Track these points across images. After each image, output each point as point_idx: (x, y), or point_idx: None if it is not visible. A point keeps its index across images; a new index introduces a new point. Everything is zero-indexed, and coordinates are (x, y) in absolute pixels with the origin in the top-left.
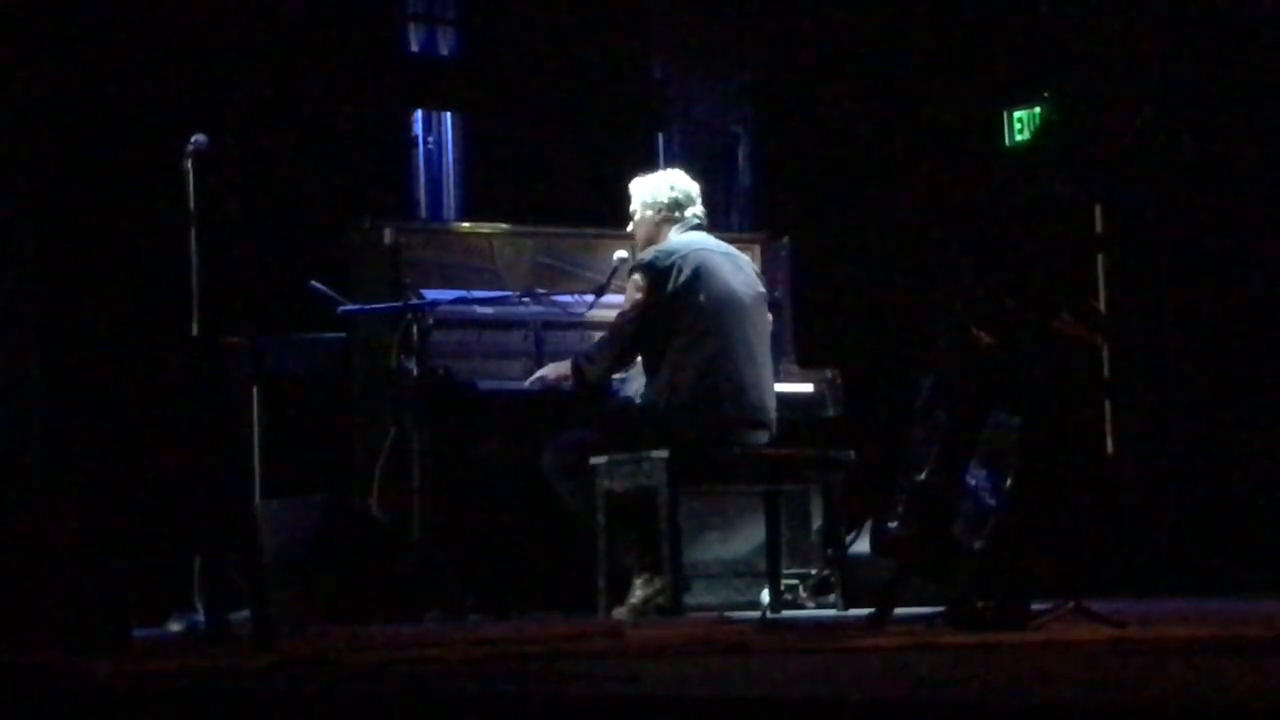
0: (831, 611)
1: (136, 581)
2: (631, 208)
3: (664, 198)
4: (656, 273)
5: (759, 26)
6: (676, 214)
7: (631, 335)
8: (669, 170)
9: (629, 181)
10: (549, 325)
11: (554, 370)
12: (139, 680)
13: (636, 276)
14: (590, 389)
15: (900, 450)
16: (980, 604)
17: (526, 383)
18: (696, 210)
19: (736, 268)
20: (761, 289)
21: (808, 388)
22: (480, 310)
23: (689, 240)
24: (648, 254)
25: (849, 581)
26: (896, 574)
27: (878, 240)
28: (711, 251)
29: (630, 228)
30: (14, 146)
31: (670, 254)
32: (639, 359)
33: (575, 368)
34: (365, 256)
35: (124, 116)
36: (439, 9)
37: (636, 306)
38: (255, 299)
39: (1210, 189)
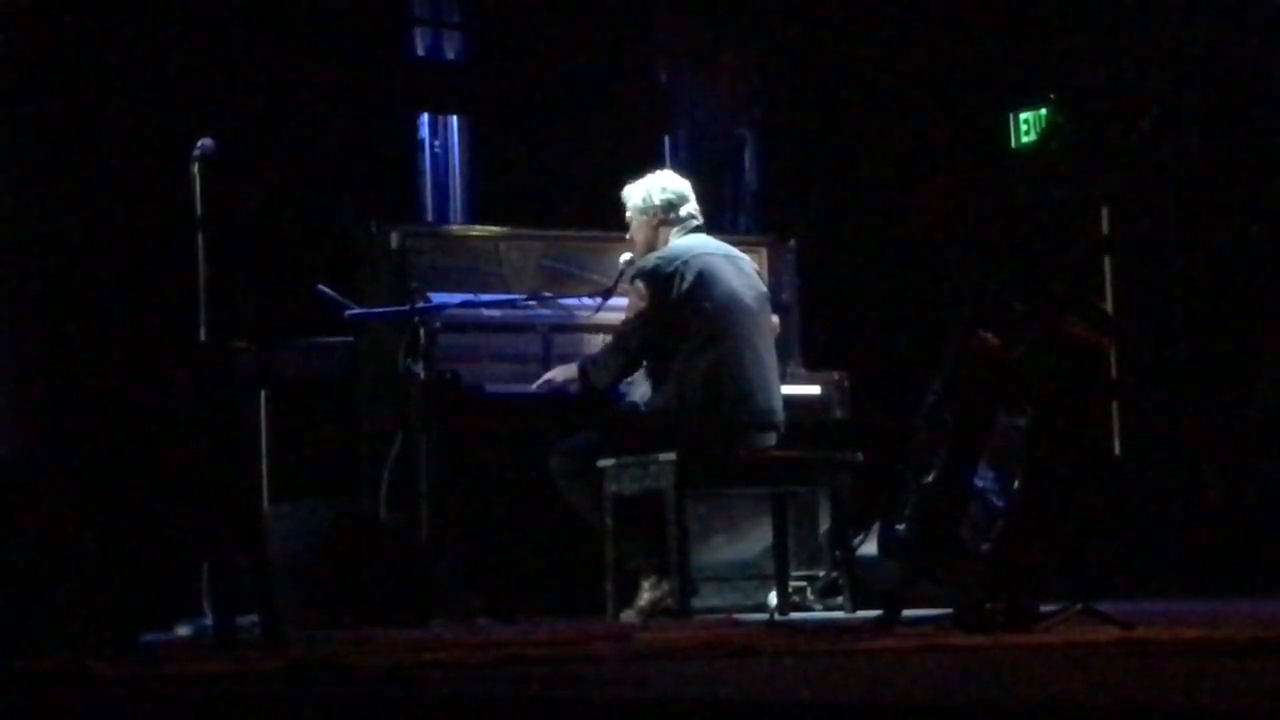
0: (839, 614)
1: (144, 586)
2: (627, 214)
3: (657, 200)
4: (660, 279)
5: (765, 29)
6: (672, 215)
7: (637, 343)
8: (660, 172)
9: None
10: (556, 328)
11: (561, 373)
12: (146, 684)
13: (639, 284)
14: (596, 394)
15: (907, 452)
16: (988, 606)
17: (534, 386)
18: (692, 210)
19: (738, 270)
20: (764, 290)
21: (815, 390)
22: (487, 314)
23: (690, 244)
24: (649, 260)
25: (857, 583)
26: (904, 576)
27: (884, 242)
28: (713, 255)
29: (629, 235)
30: (19, 149)
31: (672, 260)
32: (644, 365)
33: (582, 372)
34: (372, 260)
35: (130, 120)
36: (444, 13)
37: (641, 314)
38: (262, 303)
39: (1217, 190)
